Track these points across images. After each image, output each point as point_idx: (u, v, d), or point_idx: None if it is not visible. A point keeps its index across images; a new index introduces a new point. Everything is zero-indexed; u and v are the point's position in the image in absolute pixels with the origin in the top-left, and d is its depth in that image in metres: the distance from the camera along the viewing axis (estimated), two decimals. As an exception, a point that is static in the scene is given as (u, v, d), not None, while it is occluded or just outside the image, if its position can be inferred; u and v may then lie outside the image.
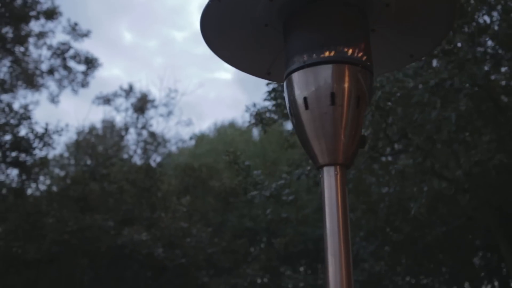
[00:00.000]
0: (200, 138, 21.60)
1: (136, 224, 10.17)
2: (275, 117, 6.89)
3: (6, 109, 10.40)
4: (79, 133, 15.22)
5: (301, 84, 1.94)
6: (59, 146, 17.38)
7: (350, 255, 1.75)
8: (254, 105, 7.46)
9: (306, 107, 1.93)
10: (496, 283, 13.28)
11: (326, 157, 1.82)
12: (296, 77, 1.97)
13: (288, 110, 2.00)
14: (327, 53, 1.86)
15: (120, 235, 9.83)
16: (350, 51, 1.84)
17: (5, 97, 11.51)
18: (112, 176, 11.02)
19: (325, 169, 1.84)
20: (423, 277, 12.80)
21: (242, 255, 11.74)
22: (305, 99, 1.93)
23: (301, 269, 15.94)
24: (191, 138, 21.31)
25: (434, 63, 5.39)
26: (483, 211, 8.21)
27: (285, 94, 1.99)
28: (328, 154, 1.83)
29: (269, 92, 6.61)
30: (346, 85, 1.91)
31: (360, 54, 1.85)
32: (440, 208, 7.88)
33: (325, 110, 1.90)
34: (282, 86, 1.94)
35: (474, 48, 4.94)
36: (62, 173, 14.31)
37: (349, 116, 1.82)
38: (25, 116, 9.92)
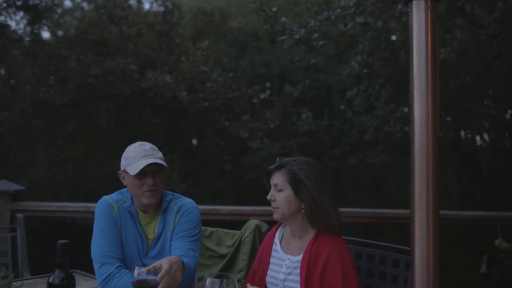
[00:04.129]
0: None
1: (158, 69, 10.14)
2: None
3: None
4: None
5: None
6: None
7: (438, 93, 1.72)
8: None
9: None
10: (492, 133, 13.70)
11: (417, -10, 1.70)
12: None
13: None
14: None
15: (144, 78, 9.85)
16: None
17: None
18: (130, 19, 10.70)
19: (415, 3, 1.74)
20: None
21: (258, 100, 11.89)
22: None
23: (308, 114, 16.29)
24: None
25: None
26: (506, 58, 8.08)
27: None
28: (420, -14, 1.70)
29: None
30: None
31: None
32: (467, 56, 7.75)
33: None
34: None
35: None
36: (69, 20, 13.91)
37: None
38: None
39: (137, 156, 2.53)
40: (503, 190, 12.16)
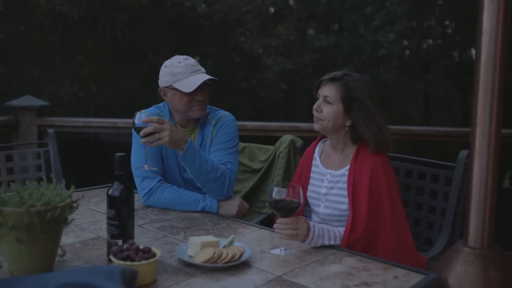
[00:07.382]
0: None
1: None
2: None
3: None
4: None
5: None
6: None
7: (510, 1, 1.63)
8: None
9: None
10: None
11: None
12: None
13: None
14: None
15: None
16: None
17: None
18: None
19: None
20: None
21: (269, 15, 11.51)
22: None
23: (319, 30, 15.89)
24: None
25: None
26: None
27: None
28: None
29: None
30: None
31: None
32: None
33: None
34: None
35: None
36: None
37: None
38: None
39: (186, 71, 2.45)
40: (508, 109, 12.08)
